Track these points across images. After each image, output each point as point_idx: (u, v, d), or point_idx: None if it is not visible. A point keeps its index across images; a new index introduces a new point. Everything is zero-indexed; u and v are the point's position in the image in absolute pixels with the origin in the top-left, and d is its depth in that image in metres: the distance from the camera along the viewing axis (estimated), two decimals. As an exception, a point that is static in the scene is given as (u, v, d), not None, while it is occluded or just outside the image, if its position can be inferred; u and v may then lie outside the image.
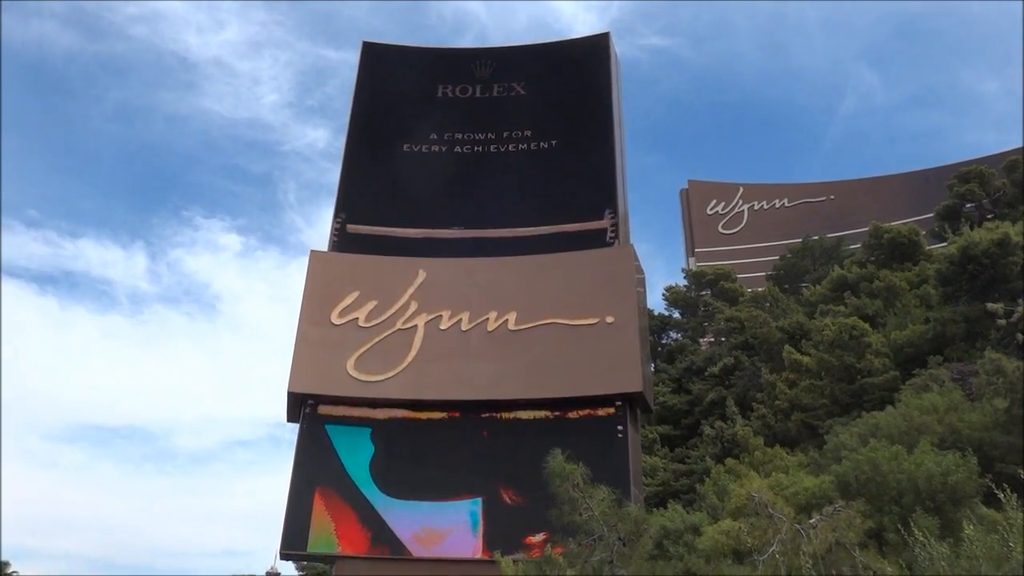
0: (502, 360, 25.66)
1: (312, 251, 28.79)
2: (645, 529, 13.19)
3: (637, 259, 28.50)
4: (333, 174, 32.83)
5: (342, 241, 29.20)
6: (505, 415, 24.84)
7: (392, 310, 26.91)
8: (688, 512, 22.19)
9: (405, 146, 32.26)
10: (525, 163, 31.57)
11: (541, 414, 24.48)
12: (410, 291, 27.25)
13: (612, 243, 28.04)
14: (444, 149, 32.23)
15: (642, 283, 29.19)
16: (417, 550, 23.68)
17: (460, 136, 32.41)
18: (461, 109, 33.26)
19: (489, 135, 32.27)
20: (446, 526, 23.95)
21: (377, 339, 26.34)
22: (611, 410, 23.87)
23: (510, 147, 31.98)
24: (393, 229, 29.53)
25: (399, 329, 26.53)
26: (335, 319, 26.74)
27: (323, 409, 25.62)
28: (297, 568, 57.22)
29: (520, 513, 23.32)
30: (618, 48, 35.05)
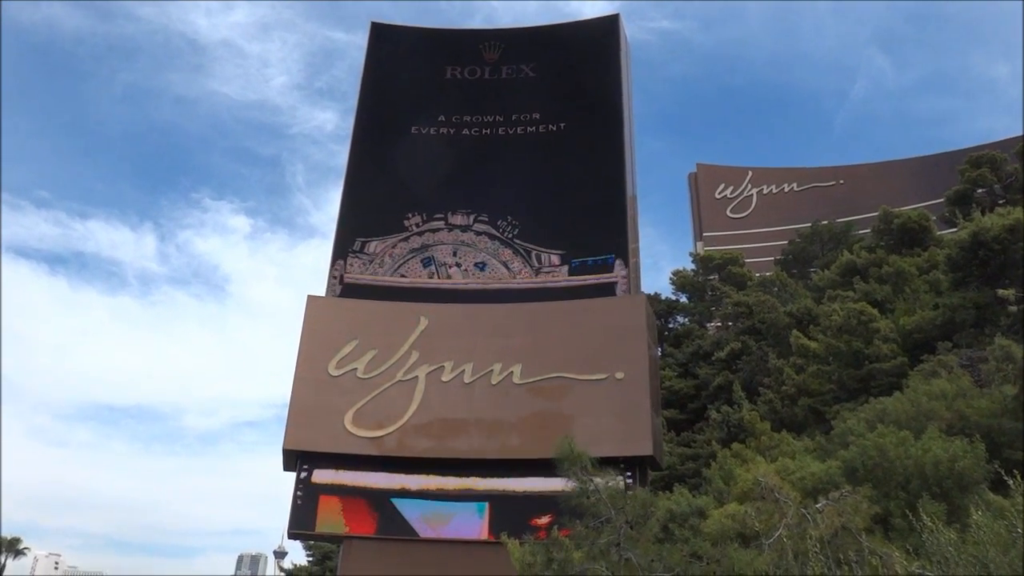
0: (506, 416, 24.65)
1: (309, 296, 27.65)
2: (652, 512, 13.23)
3: (648, 307, 27.62)
4: (341, 156, 32.96)
5: (340, 288, 28.28)
6: (506, 489, 23.70)
7: (392, 360, 25.83)
8: (694, 496, 22.26)
9: (413, 128, 32.21)
10: (533, 149, 31.44)
11: (539, 488, 22.95)
12: (411, 339, 26.18)
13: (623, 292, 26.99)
14: (452, 132, 32.14)
15: (653, 331, 28.13)
16: (424, 531, 23.87)
17: (468, 119, 32.31)
18: (470, 91, 33.16)
19: (497, 117, 32.16)
20: (453, 508, 24.05)
21: (376, 392, 25.33)
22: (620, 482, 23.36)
23: (518, 130, 31.87)
24: (394, 279, 28.53)
25: (399, 381, 25.50)
26: (333, 370, 25.68)
27: (318, 477, 24.55)
28: (305, 548, 57.80)
29: (526, 495, 23.48)
30: (627, 31, 34.82)
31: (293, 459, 24.91)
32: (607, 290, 27.24)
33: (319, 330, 26.57)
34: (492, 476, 23.94)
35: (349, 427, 24.73)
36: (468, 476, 24.16)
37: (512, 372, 25.30)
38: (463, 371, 25.54)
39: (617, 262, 27.53)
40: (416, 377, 25.57)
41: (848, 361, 30.93)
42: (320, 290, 29.01)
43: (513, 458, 23.89)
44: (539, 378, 25.03)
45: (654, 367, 26.65)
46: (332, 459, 24.71)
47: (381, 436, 24.67)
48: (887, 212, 45.47)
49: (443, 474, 24.25)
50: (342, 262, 28.83)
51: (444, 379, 25.49)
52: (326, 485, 24.44)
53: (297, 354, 26.16)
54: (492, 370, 25.44)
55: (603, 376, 24.46)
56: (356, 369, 25.72)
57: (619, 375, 24.42)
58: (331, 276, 28.54)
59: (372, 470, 24.50)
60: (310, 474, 24.62)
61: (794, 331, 35.43)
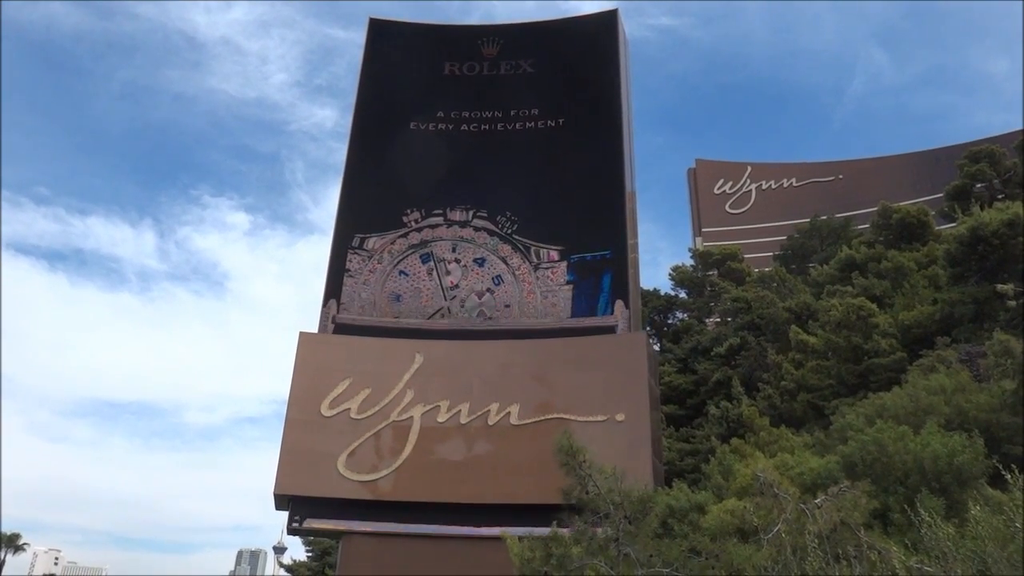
0: (504, 459, 24.13)
1: (301, 333, 27.13)
2: (651, 508, 13.22)
3: (649, 345, 27.40)
4: (340, 153, 32.99)
5: (333, 328, 27.93)
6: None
7: (386, 400, 25.40)
8: (693, 491, 22.24)
9: (412, 125, 32.20)
10: (532, 145, 31.40)
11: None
12: (406, 378, 25.73)
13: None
14: (451, 128, 32.15)
15: (654, 370, 27.69)
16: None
17: (467, 115, 32.31)
18: (468, 87, 33.17)
19: (496, 113, 32.17)
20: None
21: (370, 433, 24.90)
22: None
23: (517, 125, 31.88)
24: (388, 320, 28.12)
25: (394, 422, 25.06)
26: (325, 410, 25.19)
27: (309, 524, 24.38)
28: (304, 544, 57.87)
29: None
30: (626, 27, 34.81)
31: (285, 502, 24.57)
32: (607, 332, 26.95)
33: (311, 368, 26.02)
34: (492, 524, 23.01)
35: (342, 470, 24.25)
36: (464, 525, 23.64)
37: (509, 412, 24.84)
38: (459, 411, 25.06)
39: (618, 303, 27.19)
40: (411, 417, 25.11)
41: (847, 356, 30.91)
42: (319, 286, 29.03)
43: (512, 503, 23.23)
44: (537, 419, 24.56)
45: (655, 407, 26.19)
46: (325, 504, 24.30)
47: (375, 480, 24.22)
48: (886, 207, 45.44)
49: (439, 522, 23.74)
50: (335, 301, 28.47)
51: (440, 419, 25.05)
52: (316, 531, 24.81)
53: (288, 394, 25.61)
54: (489, 410, 24.98)
55: (603, 418, 24.03)
56: (349, 409, 25.21)
57: (619, 417, 24.02)
58: (323, 315, 28.15)
59: (365, 519, 24.06)
60: (301, 523, 24.33)
61: (793, 326, 35.40)
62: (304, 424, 25.06)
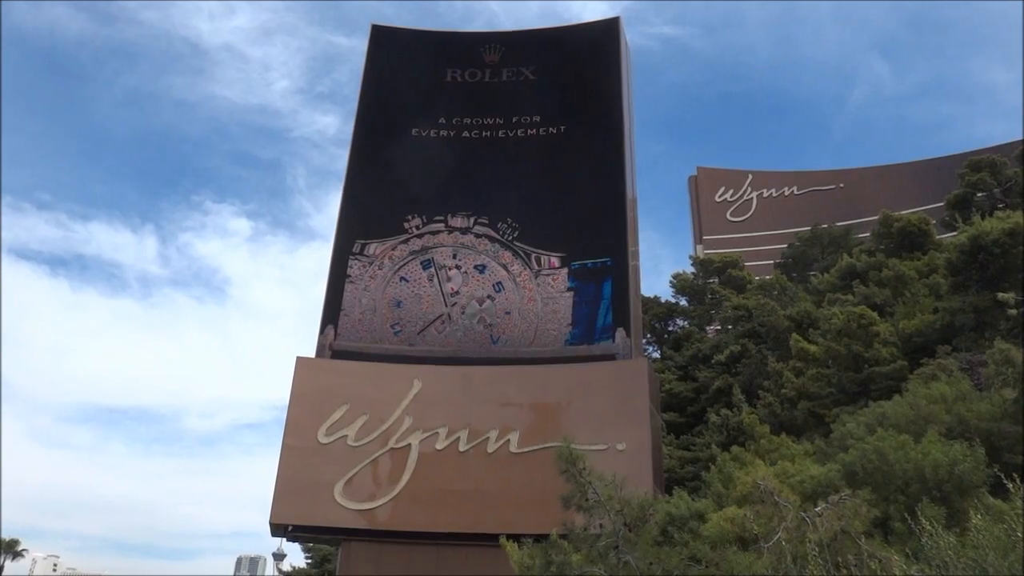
0: (503, 488, 23.76)
1: (298, 358, 26.79)
2: (651, 515, 13.21)
3: (651, 371, 27.17)
4: (342, 160, 33.01)
5: (330, 355, 27.74)
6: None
7: (384, 426, 25.04)
8: (693, 499, 22.17)
9: (413, 131, 32.27)
10: (533, 152, 31.44)
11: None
12: (404, 404, 25.40)
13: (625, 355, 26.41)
14: (452, 134, 32.22)
15: (656, 397, 27.39)
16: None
17: (469, 121, 32.39)
18: (470, 93, 33.25)
19: (498, 120, 32.24)
20: None
21: (367, 460, 24.59)
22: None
23: (519, 132, 31.95)
24: (386, 346, 27.83)
25: (391, 449, 24.72)
26: (322, 437, 24.86)
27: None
28: (304, 550, 57.73)
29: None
30: (628, 36, 34.93)
31: (281, 530, 24.38)
32: (608, 359, 26.83)
33: (308, 394, 25.67)
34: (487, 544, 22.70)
35: (339, 499, 23.93)
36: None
37: (509, 440, 24.54)
38: (458, 438, 24.75)
39: (618, 331, 26.96)
40: (409, 445, 24.77)
41: (847, 364, 30.87)
42: (320, 292, 29.03)
43: (509, 532, 23.03)
44: (537, 447, 24.17)
45: (656, 436, 25.86)
46: (321, 533, 24.40)
47: (372, 509, 23.91)
48: (887, 216, 45.46)
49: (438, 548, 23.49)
50: (332, 327, 28.31)
51: (438, 446, 24.77)
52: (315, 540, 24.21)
53: (285, 420, 25.30)
54: (488, 437, 24.66)
55: (604, 447, 23.52)
56: (347, 436, 24.87)
57: (620, 446, 23.70)
58: (320, 341, 27.97)
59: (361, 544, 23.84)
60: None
61: (794, 334, 35.36)
62: (301, 451, 24.74)
